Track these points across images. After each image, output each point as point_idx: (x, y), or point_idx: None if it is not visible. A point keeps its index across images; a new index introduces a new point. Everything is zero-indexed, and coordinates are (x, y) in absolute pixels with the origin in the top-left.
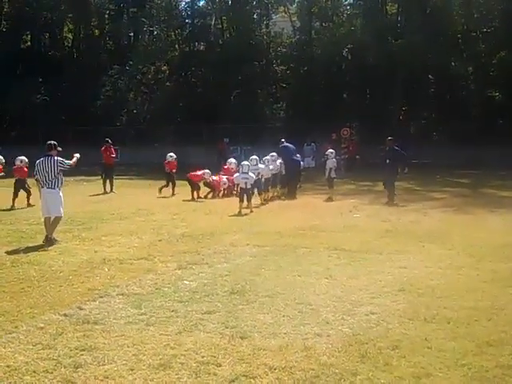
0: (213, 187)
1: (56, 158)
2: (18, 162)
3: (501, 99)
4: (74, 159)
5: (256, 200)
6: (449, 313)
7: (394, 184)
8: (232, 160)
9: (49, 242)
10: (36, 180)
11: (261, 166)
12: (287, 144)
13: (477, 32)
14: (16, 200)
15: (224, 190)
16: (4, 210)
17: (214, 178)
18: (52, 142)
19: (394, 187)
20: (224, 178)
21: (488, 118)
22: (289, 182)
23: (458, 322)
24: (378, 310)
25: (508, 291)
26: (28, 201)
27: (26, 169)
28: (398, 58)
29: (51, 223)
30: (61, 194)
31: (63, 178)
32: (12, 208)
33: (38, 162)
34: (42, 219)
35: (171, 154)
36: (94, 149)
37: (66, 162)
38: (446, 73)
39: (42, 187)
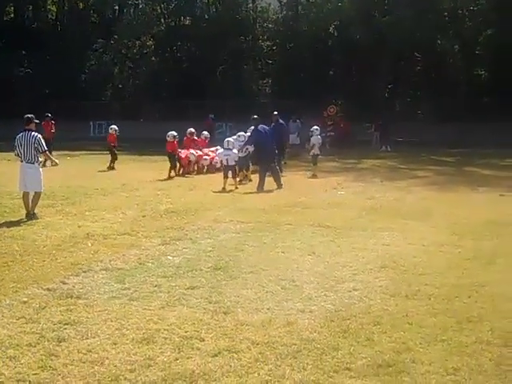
0: (180, 162)
1: (36, 134)
2: (169, 138)
3: (487, 77)
4: (52, 159)
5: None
6: (430, 289)
7: (276, 166)
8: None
9: (30, 217)
10: (16, 155)
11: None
12: (261, 126)
13: (463, 10)
14: (172, 171)
15: (191, 165)
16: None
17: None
18: (29, 115)
19: (277, 169)
20: (192, 151)
21: (474, 96)
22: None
23: (438, 298)
24: (361, 287)
25: (489, 268)
26: (178, 172)
27: (175, 143)
28: (385, 34)
29: (32, 199)
30: (40, 169)
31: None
32: (169, 177)
33: (17, 136)
34: (21, 194)
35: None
36: (78, 123)
37: (43, 146)
38: (433, 50)
39: (22, 161)
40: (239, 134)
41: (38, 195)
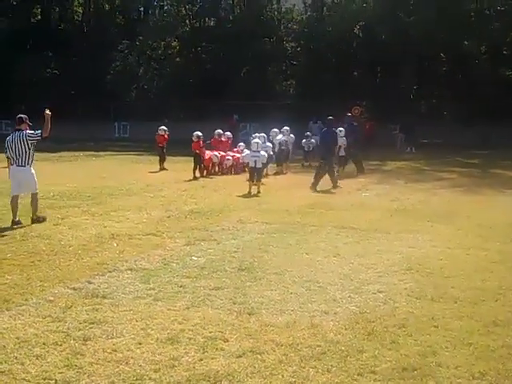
0: (203, 162)
1: (24, 132)
2: (194, 138)
3: None
4: (47, 120)
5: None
6: (456, 292)
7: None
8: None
9: (38, 220)
10: (7, 157)
11: (269, 144)
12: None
13: (490, 10)
14: (196, 171)
15: (215, 166)
16: (187, 181)
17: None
18: (22, 115)
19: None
20: (215, 153)
21: (500, 97)
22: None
23: (465, 301)
24: (386, 289)
25: None
26: (202, 173)
27: (201, 142)
28: (410, 35)
29: (31, 203)
30: (32, 170)
31: (34, 154)
32: (195, 178)
33: (8, 138)
34: (9, 200)
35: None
36: (103, 124)
37: (37, 132)
38: (459, 51)
39: (12, 164)
40: (263, 135)
41: (35, 197)
